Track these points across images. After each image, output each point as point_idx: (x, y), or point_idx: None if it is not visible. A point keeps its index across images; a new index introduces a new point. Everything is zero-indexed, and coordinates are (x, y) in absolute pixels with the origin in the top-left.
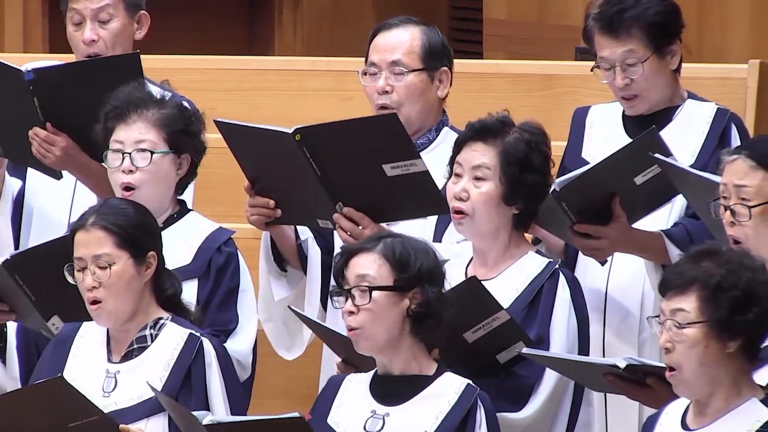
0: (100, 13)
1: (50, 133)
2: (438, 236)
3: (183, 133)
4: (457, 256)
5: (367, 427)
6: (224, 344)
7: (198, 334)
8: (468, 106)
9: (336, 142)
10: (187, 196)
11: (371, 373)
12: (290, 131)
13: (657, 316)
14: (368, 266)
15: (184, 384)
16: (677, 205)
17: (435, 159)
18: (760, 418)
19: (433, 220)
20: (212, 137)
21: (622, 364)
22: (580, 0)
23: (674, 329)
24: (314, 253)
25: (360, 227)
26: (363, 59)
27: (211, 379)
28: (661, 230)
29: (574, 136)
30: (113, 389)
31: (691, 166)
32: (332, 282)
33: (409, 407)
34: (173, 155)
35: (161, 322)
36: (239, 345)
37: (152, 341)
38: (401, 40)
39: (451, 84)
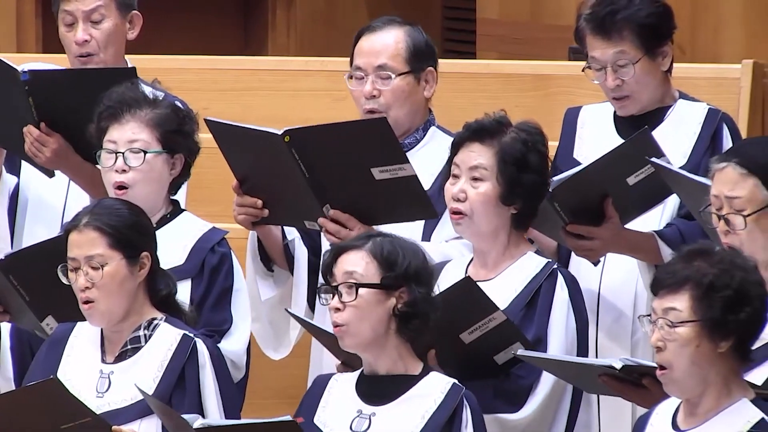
0: (92, 14)
1: (43, 133)
2: (427, 235)
3: (176, 133)
4: (448, 257)
5: (353, 427)
6: (218, 344)
7: (192, 335)
8: (461, 105)
9: (325, 145)
10: (181, 196)
11: (357, 373)
12: (280, 132)
13: (648, 315)
14: (356, 263)
15: (178, 385)
16: (669, 206)
17: (422, 158)
18: (750, 419)
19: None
20: (205, 137)
21: (617, 365)
22: (573, 0)
23: (666, 328)
24: (301, 254)
25: (347, 229)
26: None
27: (205, 379)
28: (654, 231)
29: (566, 137)
30: (107, 390)
31: (682, 167)
32: (320, 281)
33: (395, 407)
34: (166, 155)
35: (155, 322)
36: (233, 345)
37: (146, 342)
38: (386, 44)
39: (437, 83)
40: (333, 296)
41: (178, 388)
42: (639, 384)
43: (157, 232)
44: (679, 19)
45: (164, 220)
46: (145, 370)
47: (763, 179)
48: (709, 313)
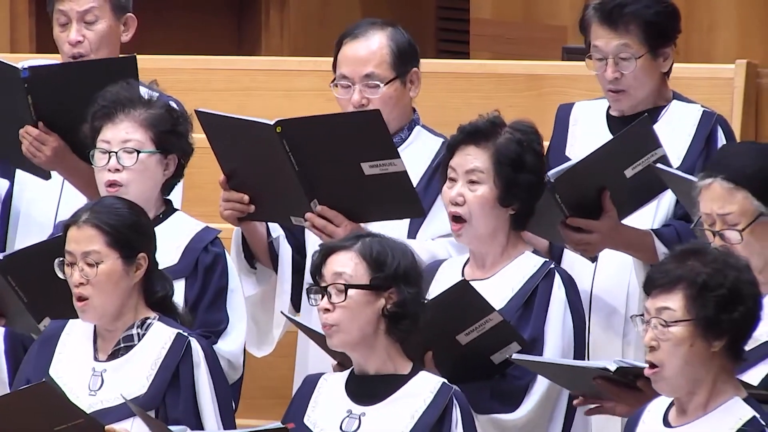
0: (86, 15)
1: (42, 132)
2: (413, 233)
3: (170, 133)
4: (435, 256)
5: (343, 427)
6: (215, 345)
7: (186, 334)
8: (454, 106)
9: (316, 137)
10: (176, 197)
11: (347, 373)
12: (272, 123)
13: (641, 315)
14: (345, 264)
15: (172, 383)
16: (663, 206)
17: (407, 158)
18: (742, 417)
19: None
20: (199, 137)
21: (612, 367)
22: (566, 0)
23: (660, 327)
24: (285, 252)
25: (334, 225)
26: None
27: (200, 379)
28: (651, 229)
29: (558, 133)
30: (99, 388)
31: (677, 169)
32: (304, 280)
33: (384, 407)
34: (160, 155)
35: (148, 321)
36: (230, 345)
37: (139, 340)
38: (371, 50)
39: (420, 81)
40: (322, 297)
41: (172, 387)
42: (633, 386)
43: None
44: None
45: (157, 220)
46: (139, 369)
47: (751, 190)
48: (703, 312)
